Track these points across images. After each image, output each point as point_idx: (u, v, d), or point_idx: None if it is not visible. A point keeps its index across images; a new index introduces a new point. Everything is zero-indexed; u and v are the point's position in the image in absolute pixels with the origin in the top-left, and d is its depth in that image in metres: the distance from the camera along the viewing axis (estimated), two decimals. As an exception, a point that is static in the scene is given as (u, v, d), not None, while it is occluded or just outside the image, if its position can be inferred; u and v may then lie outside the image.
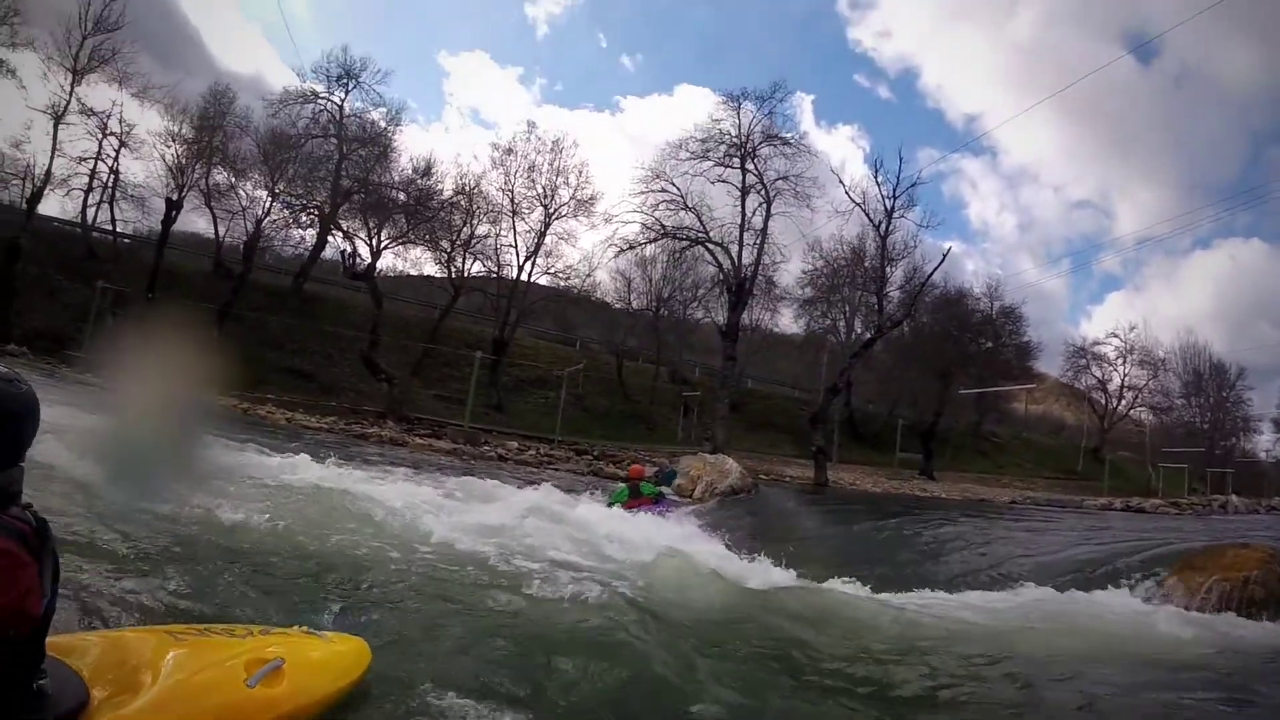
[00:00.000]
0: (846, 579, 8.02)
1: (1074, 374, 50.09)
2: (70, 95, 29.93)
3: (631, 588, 6.13)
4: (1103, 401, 50.52)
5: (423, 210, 32.99)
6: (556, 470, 22.24)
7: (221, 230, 33.35)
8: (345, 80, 33.28)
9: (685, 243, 29.98)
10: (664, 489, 13.95)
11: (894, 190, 27.42)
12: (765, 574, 7.91)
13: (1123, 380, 49.67)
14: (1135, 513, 26.73)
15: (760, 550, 8.75)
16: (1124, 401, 50.20)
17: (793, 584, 7.66)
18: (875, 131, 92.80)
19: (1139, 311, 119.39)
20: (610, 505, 11.93)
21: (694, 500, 16.06)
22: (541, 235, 35.23)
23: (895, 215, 27.80)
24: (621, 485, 13.07)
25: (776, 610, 6.40)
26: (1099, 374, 49.86)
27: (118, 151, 31.90)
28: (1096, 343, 50.13)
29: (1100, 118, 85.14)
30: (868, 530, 12.70)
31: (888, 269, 29.64)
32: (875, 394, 43.16)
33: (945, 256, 27.44)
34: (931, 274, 27.82)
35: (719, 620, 5.94)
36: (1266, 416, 52.03)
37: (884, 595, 7.66)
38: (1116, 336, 49.22)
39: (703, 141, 28.52)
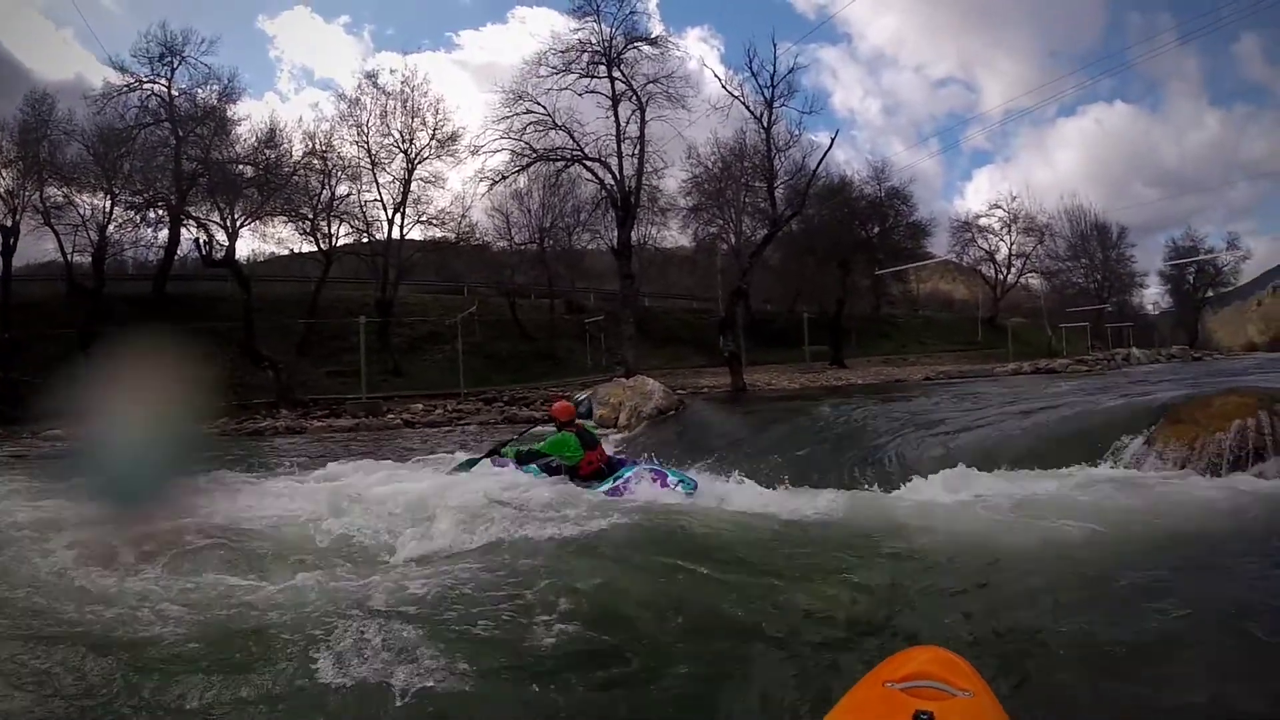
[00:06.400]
0: (817, 487, 7.78)
1: (961, 248, 51.09)
2: None
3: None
4: (992, 272, 52.05)
5: (274, 179, 30.85)
6: (467, 425, 21.30)
7: (69, 247, 30.53)
8: (169, 58, 30.15)
9: (560, 163, 28.58)
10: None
11: (772, 79, 26.24)
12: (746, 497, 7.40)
13: (1010, 249, 51.21)
14: (1046, 374, 27.45)
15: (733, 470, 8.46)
16: (1013, 270, 51.93)
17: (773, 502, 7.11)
18: (727, 30, 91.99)
19: (1012, 183, 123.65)
20: (525, 454, 8.61)
21: (620, 428, 15.28)
22: (407, 183, 33.67)
23: (776, 105, 26.60)
24: (560, 432, 8.60)
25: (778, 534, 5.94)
26: (986, 246, 51.27)
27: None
28: (980, 216, 51.63)
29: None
30: (808, 429, 11.85)
31: (775, 160, 28.66)
32: (773, 293, 43.02)
33: (834, 139, 26.84)
34: (824, 156, 27.29)
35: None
36: (1152, 270, 54.83)
37: (862, 494, 7.32)
38: (1000, 208, 50.92)
39: (563, 53, 26.93)
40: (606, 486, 7.92)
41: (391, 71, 37.98)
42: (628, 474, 8.05)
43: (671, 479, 7.91)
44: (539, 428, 14.39)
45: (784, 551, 5.44)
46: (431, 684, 3.31)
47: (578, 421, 8.76)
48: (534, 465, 8.45)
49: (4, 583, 4.84)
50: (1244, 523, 5.52)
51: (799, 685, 3.34)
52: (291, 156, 32.06)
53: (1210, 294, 56.21)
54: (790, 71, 27.07)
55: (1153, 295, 57.84)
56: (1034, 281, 53.63)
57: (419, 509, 6.82)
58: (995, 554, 5.07)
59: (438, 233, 35.41)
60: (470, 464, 9.34)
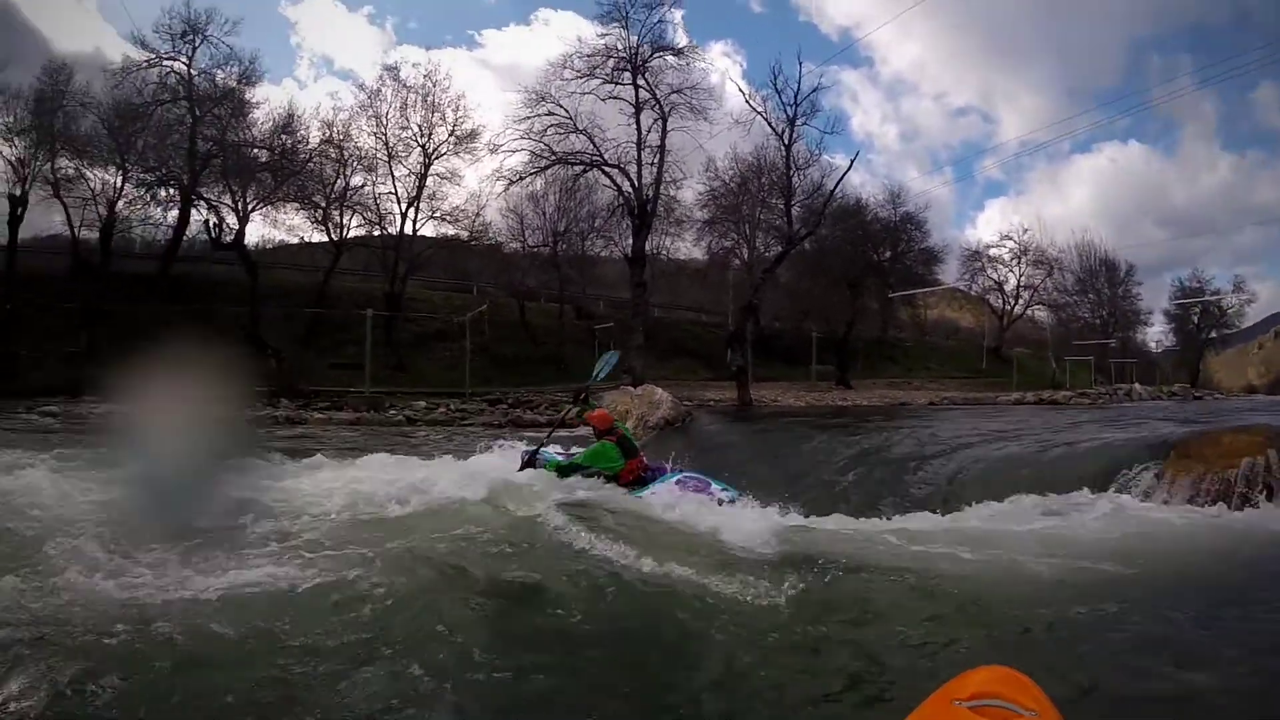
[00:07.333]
0: (840, 510, 7.88)
1: (970, 277, 51.30)
2: None
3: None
4: (999, 302, 52.10)
5: (289, 165, 30.66)
6: (471, 426, 21.05)
7: (77, 221, 30.11)
8: (190, 36, 30.00)
9: (579, 168, 28.53)
10: None
11: (795, 97, 26.16)
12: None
13: (1019, 280, 51.20)
14: (1050, 405, 27.22)
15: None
16: (1021, 301, 51.92)
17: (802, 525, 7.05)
18: (749, 46, 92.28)
19: (1023, 216, 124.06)
20: (565, 467, 8.33)
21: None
22: (422, 178, 33.50)
23: (798, 123, 26.51)
24: (599, 442, 8.41)
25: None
26: (995, 276, 51.39)
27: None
28: (990, 246, 51.63)
29: (978, 23, 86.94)
30: (823, 449, 11.72)
31: (794, 178, 28.64)
32: (781, 310, 42.76)
33: (854, 161, 26.80)
34: (843, 177, 27.40)
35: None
36: (1156, 309, 55.00)
37: (887, 523, 7.21)
38: (1011, 239, 50.91)
39: (588, 58, 26.84)
40: (645, 492, 7.75)
41: (414, 65, 37.83)
42: (670, 480, 7.90)
43: (715, 487, 7.75)
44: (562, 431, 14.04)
45: (828, 575, 5.33)
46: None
47: (617, 429, 8.56)
48: (575, 476, 8.21)
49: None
50: (1254, 558, 5.60)
51: (865, 705, 3.40)
52: (307, 144, 31.92)
53: (1214, 335, 55.78)
54: (814, 91, 27.00)
55: (1156, 333, 57.94)
56: (1040, 313, 53.73)
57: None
58: (1026, 581, 5.09)
59: (450, 230, 35.30)
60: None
